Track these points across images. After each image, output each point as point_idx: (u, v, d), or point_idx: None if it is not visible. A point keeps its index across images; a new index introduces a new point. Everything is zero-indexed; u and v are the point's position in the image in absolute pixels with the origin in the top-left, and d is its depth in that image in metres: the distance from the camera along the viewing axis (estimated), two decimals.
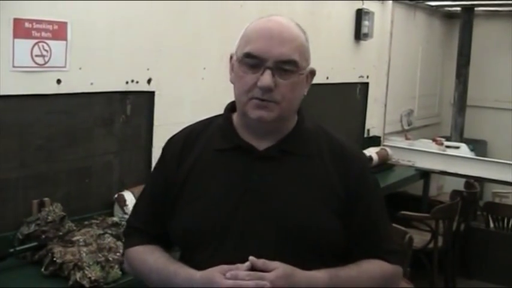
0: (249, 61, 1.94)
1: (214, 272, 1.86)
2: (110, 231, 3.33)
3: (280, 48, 1.93)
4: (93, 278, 2.95)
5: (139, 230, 2.21)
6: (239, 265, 1.85)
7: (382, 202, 2.20)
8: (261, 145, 2.05)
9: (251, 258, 1.85)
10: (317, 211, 2.00)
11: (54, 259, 3.04)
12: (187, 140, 2.14)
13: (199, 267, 1.94)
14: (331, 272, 1.97)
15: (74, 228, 3.35)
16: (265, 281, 1.81)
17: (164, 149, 2.21)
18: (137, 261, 2.16)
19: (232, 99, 2.11)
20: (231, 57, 2.06)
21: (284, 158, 2.04)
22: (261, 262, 1.85)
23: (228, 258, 1.89)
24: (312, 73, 2.10)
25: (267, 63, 1.92)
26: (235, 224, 1.98)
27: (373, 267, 2.07)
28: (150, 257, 2.11)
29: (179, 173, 2.09)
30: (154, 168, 2.27)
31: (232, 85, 2.06)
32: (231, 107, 2.13)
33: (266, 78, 1.91)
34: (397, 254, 2.17)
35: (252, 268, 1.84)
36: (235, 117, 2.11)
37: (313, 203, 2.01)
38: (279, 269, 1.84)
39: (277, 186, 2.01)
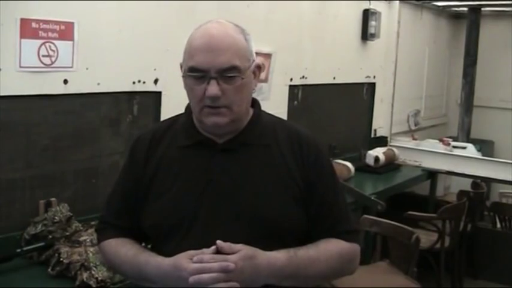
0: (194, 74, 2.06)
1: (182, 258, 1.98)
2: None
3: (220, 57, 2.03)
4: (100, 278, 2.96)
5: (112, 224, 2.30)
6: (205, 250, 1.96)
7: (338, 185, 2.33)
8: (221, 139, 2.16)
9: (218, 241, 1.96)
10: (277, 198, 2.12)
11: (61, 259, 3.05)
12: (153, 138, 2.25)
13: (169, 255, 2.04)
14: (290, 251, 2.07)
15: (81, 228, 3.36)
16: (228, 262, 1.92)
17: (132, 147, 2.31)
18: (110, 254, 2.26)
19: None
20: (181, 66, 2.18)
21: (243, 150, 2.16)
22: (227, 245, 1.96)
23: (194, 245, 2.00)
24: (259, 67, 2.18)
25: (210, 74, 2.03)
26: (199, 215, 2.09)
27: (331, 246, 2.17)
28: (122, 249, 2.21)
29: (147, 170, 2.20)
30: (124, 165, 2.36)
31: None
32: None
33: (212, 88, 2.03)
34: (355, 233, 2.28)
35: (218, 252, 1.95)
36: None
37: (274, 191, 2.12)
38: (241, 251, 1.96)
39: (238, 176, 2.13)
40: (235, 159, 2.15)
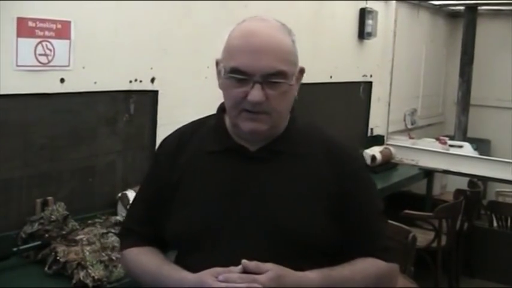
0: (236, 76, 1.92)
1: (207, 275, 1.87)
2: (113, 230, 3.33)
3: (266, 61, 1.90)
4: (96, 277, 2.95)
5: (134, 231, 2.21)
6: (232, 268, 1.85)
7: (377, 200, 2.18)
8: (253, 146, 2.05)
9: (244, 261, 1.84)
10: (310, 213, 1.99)
11: (58, 258, 3.04)
12: (180, 141, 2.16)
13: (192, 269, 1.94)
14: (323, 272, 1.96)
15: (78, 227, 3.35)
16: (257, 284, 1.80)
17: (158, 150, 2.24)
18: (132, 263, 2.17)
19: None
20: (217, 64, 2.05)
21: (276, 159, 2.04)
22: (253, 264, 1.84)
23: (220, 260, 1.89)
24: (302, 71, 2.06)
25: (254, 78, 1.90)
26: (227, 226, 1.98)
27: (367, 266, 2.04)
28: (144, 259, 2.12)
29: (173, 175, 2.10)
30: (149, 170, 2.28)
31: None
32: (224, 107, 2.10)
33: (256, 93, 1.89)
34: (392, 251, 2.14)
35: (245, 271, 1.84)
36: (227, 118, 2.10)
37: (307, 204, 2.00)
38: (271, 271, 1.84)
39: (270, 188, 2.01)
40: (267, 168, 2.02)
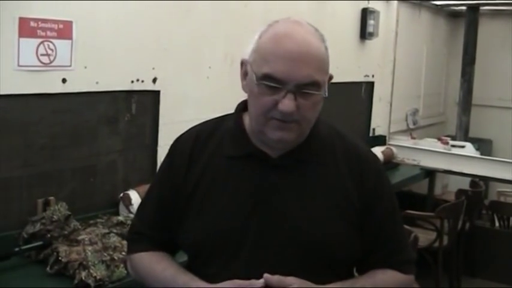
0: (269, 83, 1.81)
1: (227, 287, 1.83)
2: (115, 230, 3.33)
3: (302, 70, 1.80)
4: (98, 277, 2.95)
5: (145, 235, 2.13)
6: (253, 281, 1.80)
7: (397, 211, 2.14)
8: (275, 152, 1.97)
9: (266, 275, 1.79)
10: (332, 223, 1.94)
11: (60, 258, 3.04)
12: (197, 142, 2.05)
13: (211, 280, 1.89)
14: (346, 284, 1.94)
15: (79, 227, 3.35)
16: None
17: (172, 151, 2.12)
18: (143, 269, 2.09)
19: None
20: (242, 64, 1.96)
21: (298, 167, 1.97)
22: (275, 279, 1.80)
23: (241, 271, 1.85)
24: (330, 78, 1.96)
25: (288, 87, 1.80)
26: (248, 236, 1.92)
27: (388, 278, 2.02)
28: (158, 267, 2.04)
29: (188, 179, 2.01)
30: (161, 170, 2.16)
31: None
32: (242, 107, 2.04)
33: (289, 103, 1.81)
34: (412, 264, 2.12)
35: (267, 285, 1.79)
36: (246, 120, 2.02)
37: (329, 215, 1.94)
38: (294, 285, 1.81)
39: (292, 196, 1.94)
40: (289, 177, 1.95)
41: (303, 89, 1.82)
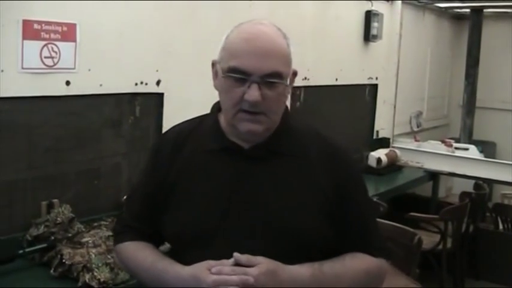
0: (235, 76, 1.96)
1: (200, 268, 1.92)
2: None
3: (265, 62, 1.94)
4: (102, 280, 2.96)
5: (130, 227, 2.24)
6: (224, 261, 1.90)
7: (369, 200, 2.28)
8: (247, 145, 2.08)
9: (235, 254, 1.90)
10: (305, 211, 2.03)
11: (63, 260, 3.05)
12: (178, 139, 2.18)
13: (189, 265, 1.98)
14: (314, 266, 2.00)
15: (83, 229, 3.36)
16: (248, 276, 1.85)
17: (155, 147, 2.27)
18: (128, 258, 2.20)
19: None
20: (213, 64, 2.09)
21: (271, 158, 2.07)
22: (244, 257, 1.90)
23: (217, 257, 1.93)
24: (294, 74, 2.11)
25: (253, 78, 1.94)
26: (224, 225, 2.01)
27: (357, 261, 2.10)
28: (140, 254, 2.15)
29: (171, 173, 2.12)
30: (146, 166, 2.29)
31: None
32: (218, 107, 2.15)
33: (254, 93, 1.93)
34: (384, 250, 2.20)
35: (237, 264, 1.89)
36: (221, 118, 2.14)
37: (301, 204, 2.04)
38: (262, 264, 1.89)
39: (264, 185, 2.04)
40: (261, 167, 2.06)
41: (266, 79, 1.95)
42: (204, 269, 1.90)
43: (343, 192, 2.08)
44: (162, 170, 2.14)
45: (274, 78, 1.96)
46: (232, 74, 1.96)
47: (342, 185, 2.08)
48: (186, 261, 2.01)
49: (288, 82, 2.04)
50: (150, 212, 2.17)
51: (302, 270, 1.97)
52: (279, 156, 2.08)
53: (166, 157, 2.16)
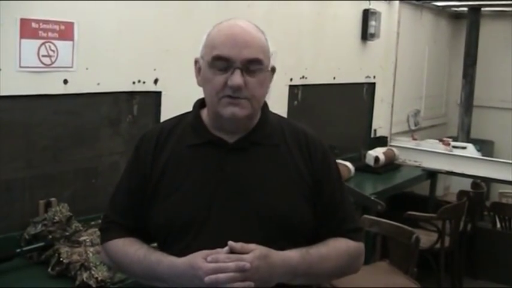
0: (218, 64, 2.06)
1: (197, 257, 1.97)
2: None
3: (246, 49, 2.06)
4: (99, 278, 2.96)
5: (117, 223, 2.27)
6: (219, 249, 1.96)
7: (343, 184, 2.36)
8: (231, 139, 2.16)
9: (230, 242, 1.96)
10: (289, 197, 2.14)
11: (61, 259, 3.05)
12: (160, 136, 2.23)
13: (181, 255, 2.03)
14: (302, 250, 2.11)
15: (81, 228, 3.36)
16: (244, 262, 1.93)
17: (138, 145, 2.29)
18: (117, 254, 2.22)
19: None
20: (196, 62, 2.21)
21: (253, 149, 2.17)
22: (238, 245, 1.97)
23: (205, 247, 1.99)
24: (273, 70, 2.21)
25: (235, 64, 2.04)
26: (211, 214, 2.08)
27: (340, 244, 2.21)
28: (131, 249, 2.18)
29: (155, 168, 2.18)
30: (129, 162, 2.33)
31: None
32: (200, 104, 2.27)
33: (236, 78, 2.03)
34: (360, 232, 2.32)
35: (232, 252, 1.96)
36: (204, 114, 2.23)
37: (284, 190, 2.15)
38: (255, 250, 1.97)
39: (249, 175, 2.14)
40: (246, 158, 2.15)
41: (248, 64, 2.06)
42: (200, 258, 1.96)
43: (319, 177, 2.20)
44: (146, 166, 2.20)
45: (255, 64, 2.07)
46: (216, 62, 2.07)
47: (317, 169, 2.20)
48: (174, 253, 2.07)
49: (269, 71, 2.16)
50: (136, 207, 2.22)
51: (292, 254, 2.07)
52: (261, 147, 2.18)
53: (148, 154, 2.21)
